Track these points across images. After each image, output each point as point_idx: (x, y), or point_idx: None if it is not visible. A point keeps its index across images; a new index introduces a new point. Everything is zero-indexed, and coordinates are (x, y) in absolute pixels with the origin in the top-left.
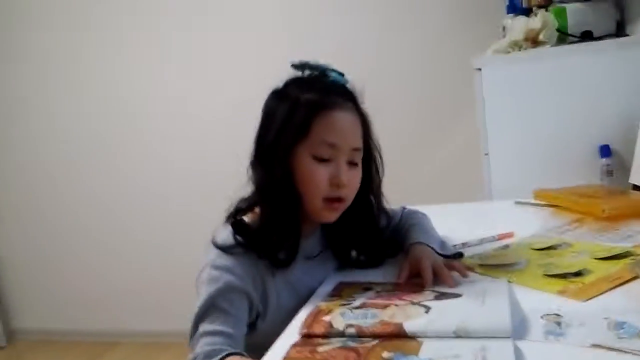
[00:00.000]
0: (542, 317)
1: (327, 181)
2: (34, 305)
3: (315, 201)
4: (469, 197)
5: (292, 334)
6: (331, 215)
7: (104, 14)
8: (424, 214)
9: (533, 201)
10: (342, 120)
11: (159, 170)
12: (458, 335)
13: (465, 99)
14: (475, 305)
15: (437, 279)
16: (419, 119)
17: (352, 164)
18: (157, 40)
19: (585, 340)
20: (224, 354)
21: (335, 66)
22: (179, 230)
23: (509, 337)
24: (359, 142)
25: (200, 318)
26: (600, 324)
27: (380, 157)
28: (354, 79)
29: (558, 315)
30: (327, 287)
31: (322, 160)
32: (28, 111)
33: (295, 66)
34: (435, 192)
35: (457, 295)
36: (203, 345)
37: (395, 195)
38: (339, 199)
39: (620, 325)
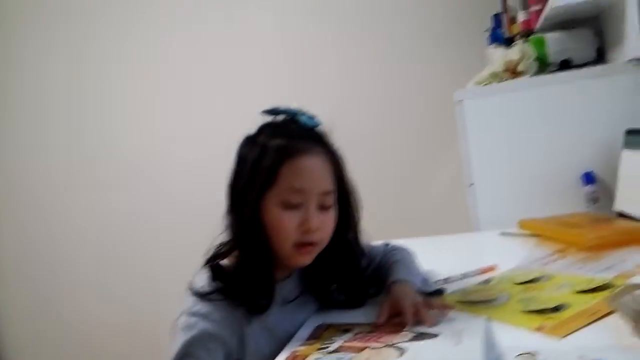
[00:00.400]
0: (516, 356)
1: (296, 227)
2: (29, 346)
3: (285, 247)
4: (456, 228)
5: None
6: (304, 260)
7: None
8: (406, 250)
9: (518, 231)
10: (310, 165)
11: (155, 204)
12: None
13: (450, 131)
14: (449, 346)
15: (417, 319)
16: (405, 152)
17: (323, 207)
18: (165, 57)
19: None
20: None
21: (306, 109)
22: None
23: None
24: (328, 186)
25: None
26: None
27: (355, 196)
28: (329, 119)
29: (532, 354)
30: (305, 331)
31: (290, 206)
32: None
33: (267, 112)
34: (422, 225)
35: (434, 336)
36: None
37: (382, 228)
38: (311, 244)
39: None
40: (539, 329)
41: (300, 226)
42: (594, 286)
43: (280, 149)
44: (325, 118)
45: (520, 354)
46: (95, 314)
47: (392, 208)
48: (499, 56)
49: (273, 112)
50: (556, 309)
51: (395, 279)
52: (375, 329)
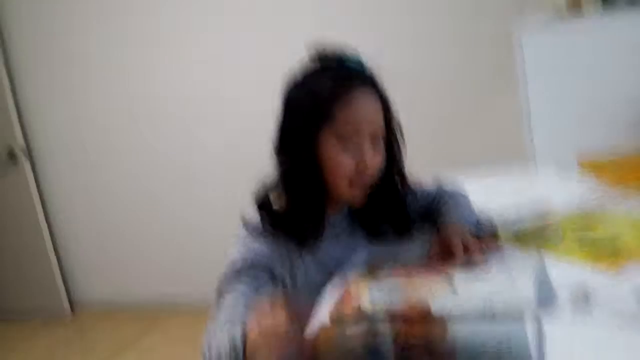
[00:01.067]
0: (570, 292)
1: (351, 164)
2: (95, 277)
3: (340, 183)
4: (514, 162)
5: (322, 311)
6: (356, 197)
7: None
8: (459, 193)
9: (577, 170)
10: (363, 103)
11: (207, 155)
12: (483, 316)
13: (508, 66)
14: (500, 282)
15: (467, 256)
16: (460, 88)
17: (375, 145)
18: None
19: (611, 319)
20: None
21: (354, 49)
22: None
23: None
24: (380, 122)
25: (223, 287)
26: (628, 296)
27: (402, 135)
28: (377, 59)
29: (586, 290)
30: (357, 260)
31: (345, 142)
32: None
33: (312, 55)
34: (480, 162)
35: (484, 271)
36: (220, 316)
37: (439, 166)
38: (363, 180)
39: None
40: (595, 262)
41: (356, 164)
42: None
43: (334, 88)
44: (374, 58)
45: (575, 289)
46: (155, 246)
47: (448, 142)
48: None
49: (318, 51)
50: (612, 242)
51: (446, 220)
52: (424, 264)
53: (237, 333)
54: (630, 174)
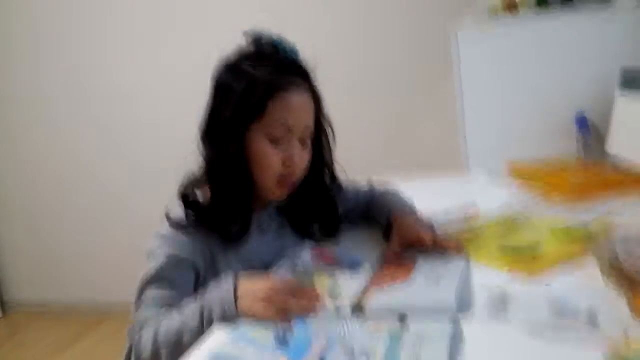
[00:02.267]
0: (488, 297)
1: (280, 162)
2: (29, 277)
3: (268, 181)
4: (446, 168)
5: None
6: (282, 194)
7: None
8: (393, 190)
9: (505, 173)
10: (298, 100)
11: (148, 146)
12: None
13: (444, 66)
14: (425, 283)
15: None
16: (396, 88)
17: (303, 142)
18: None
19: (525, 323)
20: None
21: (287, 37)
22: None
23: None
24: (311, 121)
25: (145, 285)
26: (541, 302)
27: (332, 131)
28: (315, 53)
29: (503, 295)
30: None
31: (276, 140)
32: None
33: (248, 36)
34: (411, 164)
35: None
36: (144, 313)
37: (371, 167)
38: (290, 178)
39: (560, 302)
40: (512, 267)
41: (284, 162)
42: (572, 229)
43: (270, 82)
44: (311, 51)
45: (492, 291)
46: (90, 246)
47: (382, 146)
48: None
49: (255, 36)
50: (531, 249)
51: (398, 208)
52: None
53: (228, 294)
54: (555, 181)
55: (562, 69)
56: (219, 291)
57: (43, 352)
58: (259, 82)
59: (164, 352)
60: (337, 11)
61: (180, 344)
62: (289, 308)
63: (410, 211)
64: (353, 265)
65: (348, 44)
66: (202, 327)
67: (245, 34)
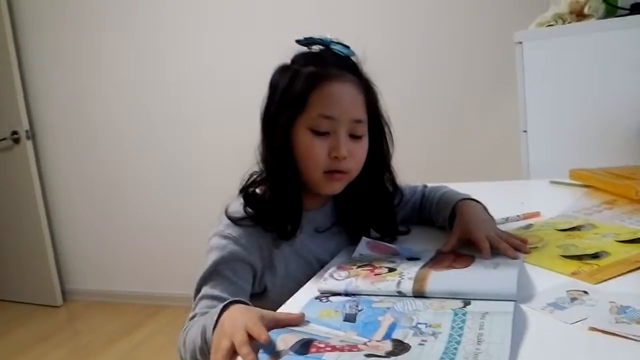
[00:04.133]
0: (549, 292)
1: (325, 154)
2: (88, 269)
3: (315, 174)
4: (506, 175)
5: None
6: (333, 188)
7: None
8: (447, 187)
9: (568, 181)
10: (340, 91)
11: (203, 150)
12: (464, 295)
13: (508, 74)
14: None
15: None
16: (460, 95)
17: (354, 136)
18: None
19: (583, 320)
20: (226, 302)
21: (343, 40)
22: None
23: (514, 301)
24: (359, 114)
25: (203, 281)
26: (604, 306)
27: (390, 130)
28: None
29: (566, 294)
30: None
31: (320, 133)
32: (85, 96)
33: (299, 41)
34: (472, 170)
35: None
36: (202, 307)
37: (431, 171)
38: (340, 172)
39: (623, 310)
40: (575, 273)
41: (329, 153)
42: (637, 237)
43: (311, 75)
44: (360, 48)
45: (570, 290)
46: (147, 239)
47: (443, 152)
48: None
49: (307, 41)
50: (595, 256)
51: (463, 198)
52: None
53: (210, 324)
54: (621, 190)
55: (629, 77)
56: (212, 313)
57: (99, 340)
58: (301, 75)
59: (188, 358)
60: (400, 18)
61: (195, 355)
62: (237, 349)
63: (476, 201)
64: (411, 256)
65: (411, 51)
66: (205, 345)
67: (297, 39)
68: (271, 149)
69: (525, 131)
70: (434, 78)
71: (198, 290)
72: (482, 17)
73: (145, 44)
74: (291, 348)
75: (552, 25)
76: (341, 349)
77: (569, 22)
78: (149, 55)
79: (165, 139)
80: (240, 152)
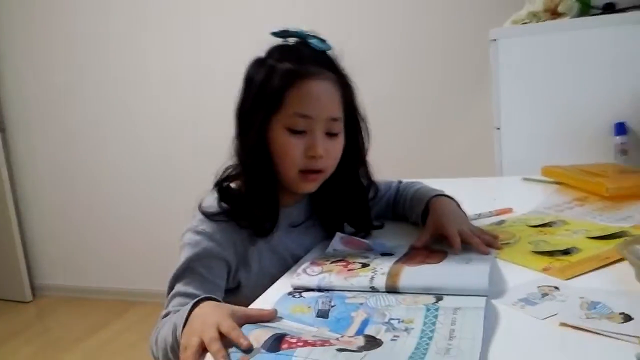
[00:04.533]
0: (520, 287)
1: (301, 153)
2: (58, 264)
3: (290, 173)
4: (479, 172)
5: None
6: (308, 187)
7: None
8: (421, 183)
9: (540, 177)
10: (317, 90)
11: (172, 145)
12: (436, 291)
13: (483, 72)
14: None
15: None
16: (433, 91)
17: (330, 134)
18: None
19: (554, 315)
20: (196, 299)
21: (317, 32)
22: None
23: (485, 296)
24: (336, 112)
25: (176, 279)
26: (574, 302)
27: (366, 126)
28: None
29: (537, 289)
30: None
31: (296, 132)
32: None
33: (275, 33)
34: (445, 166)
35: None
36: (175, 305)
37: (404, 167)
38: (315, 171)
39: (593, 305)
40: (546, 269)
41: (305, 152)
42: (607, 234)
43: (287, 72)
44: (338, 44)
45: (541, 286)
46: (118, 235)
47: (419, 149)
48: None
49: (283, 34)
50: (566, 252)
51: (436, 194)
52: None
53: (181, 322)
54: (592, 186)
55: (602, 76)
56: (183, 310)
57: (69, 336)
58: (277, 72)
59: (160, 356)
60: (377, 15)
61: (167, 354)
62: (208, 347)
63: (449, 197)
64: (384, 251)
65: (385, 47)
66: (176, 343)
67: (273, 31)
68: (246, 146)
69: (498, 128)
70: (410, 75)
71: (171, 288)
72: (458, 15)
73: (121, 37)
74: (263, 345)
75: (526, 23)
76: (313, 344)
77: (543, 20)
78: (126, 49)
79: (139, 133)
80: (217, 146)
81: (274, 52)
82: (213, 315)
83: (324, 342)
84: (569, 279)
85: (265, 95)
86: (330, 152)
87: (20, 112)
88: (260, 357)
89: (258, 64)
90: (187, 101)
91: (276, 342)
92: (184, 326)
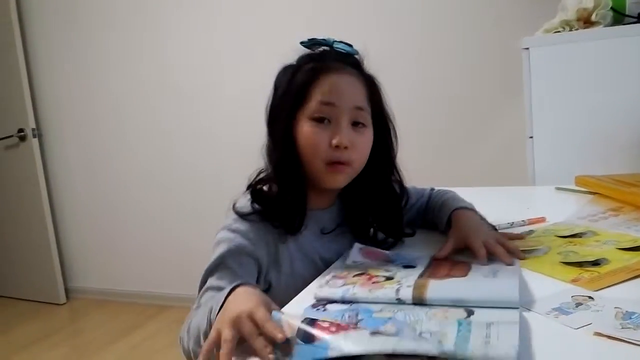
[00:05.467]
0: (551, 299)
1: (326, 143)
2: (91, 267)
3: (316, 164)
4: (512, 181)
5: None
6: (335, 180)
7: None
8: (455, 192)
9: (574, 187)
10: (340, 81)
11: (202, 152)
12: (466, 303)
13: (514, 80)
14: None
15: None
16: (466, 100)
17: (357, 124)
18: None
19: (589, 325)
20: (233, 285)
21: (344, 39)
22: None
23: (516, 308)
24: (361, 101)
25: (209, 273)
26: (609, 312)
27: (394, 127)
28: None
29: (588, 297)
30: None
31: (321, 120)
32: (93, 95)
33: (303, 43)
34: (478, 175)
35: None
36: (207, 298)
37: (437, 176)
38: (342, 162)
39: (629, 316)
40: (575, 280)
41: (330, 142)
42: (638, 245)
43: (312, 68)
44: (365, 50)
45: (575, 296)
46: (151, 239)
47: (449, 156)
48: (573, 3)
49: (311, 42)
50: (595, 263)
51: (460, 206)
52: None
53: (216, 307)
54: (625, 197)
55: (635, 84)
56: (220, 294)
57: (101, 339)
58: (302, 71)
59: (191, 345)
60: (408, 23)
61: (199, 341)
62: (249, 341)
63: (472, 209)
64: (405, 263)
65: (419, 55)
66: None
67: (301, 41)
68: (275, 143)
69: (531, 137)
70: (442, 84)
71: (203, 282)
72: (490, 23)
73: (152, 43)
74: (297, 334)
75: (559, 31)
76: (346, 328)
77: (576, 29)
78: (156, 55)
79: (171, 139)
80: (246, 152)
81: (302, 58)
82: (248, 302)
83: (356, 326)
84: (598, 290)
85: (290, 92)
86: (357, 145)
87: (55, 120)
88: (299, 350)
89: (286, 70)
90: (218, 107)
91: (310, 325)
92: (218, 311)
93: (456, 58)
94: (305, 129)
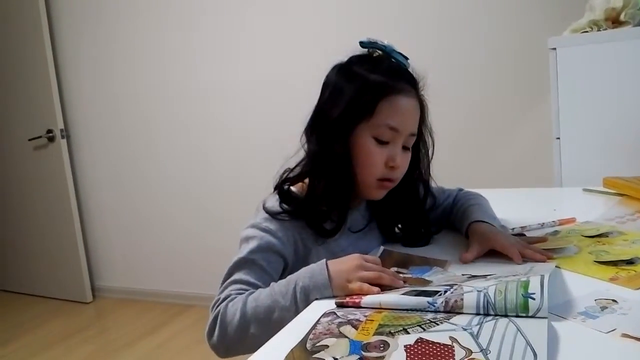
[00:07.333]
0: (595, 300)
1: (383, 163)
2: (117, 266)
3: (369, 180)
4: (538, 183)
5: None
6: (380, 194)
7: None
8: (482, 196)
9: (602, 189)
10: (406, 105)
11: (225, 153)
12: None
13: (541, 80)
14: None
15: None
16: (494, 101)
17: (405, 147)
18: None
19: (616, 328)
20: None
21: (399, 48)
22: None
23: (545, 318)
24: (416, 128)
25: (236, 267)
26: (637, 313)
27: (432, 140)
28: (420, 63)
29: (612, 300)
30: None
31: (382, 142)
32: (119, 101)
33: (363, 43)
34: (505, 177)
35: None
36: (232, 290)
37: (464, 176)
38: (390, 180)
39: None
40: (613, 279)
41: (387, 162)
42: None
43: (381, 85)
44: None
45: (598, 298)
46: (176, 239)
47: (475, 157)
48: (600, 3)
49: (371, 45)
50: (630, 262)
51: (478, 219)
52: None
53: (322, 270)
54: None
55: None
56: (311, 274)
57: (126, 337)
58: (371, 84)
59: (253, 327)
60: (435, 24)
61: (270, 320)
62: (381, 281)
63: (490, 221)
64: (420, 276)
65: (445, 54)
66: (295, 307)
67: (361, 41)
68: (328, 150)
69: (558, 138)
70: (469, 84)
71: (229, 275)
72: (517, 24)
73: (178, 45)
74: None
75: (586, 31)
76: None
77: (604, 29)
78: (182, 56)
79: (196, 140)
80: (270, 154)
81: (358, 61)
82: (353, 259)
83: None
84: (638, 288)
85: (357, 104)
86: (403, 164)
87: (82, 121)
88: None
89: (343, 72)
90: (243, 110)
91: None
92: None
93: (483, 58)
94: (367, 147)
